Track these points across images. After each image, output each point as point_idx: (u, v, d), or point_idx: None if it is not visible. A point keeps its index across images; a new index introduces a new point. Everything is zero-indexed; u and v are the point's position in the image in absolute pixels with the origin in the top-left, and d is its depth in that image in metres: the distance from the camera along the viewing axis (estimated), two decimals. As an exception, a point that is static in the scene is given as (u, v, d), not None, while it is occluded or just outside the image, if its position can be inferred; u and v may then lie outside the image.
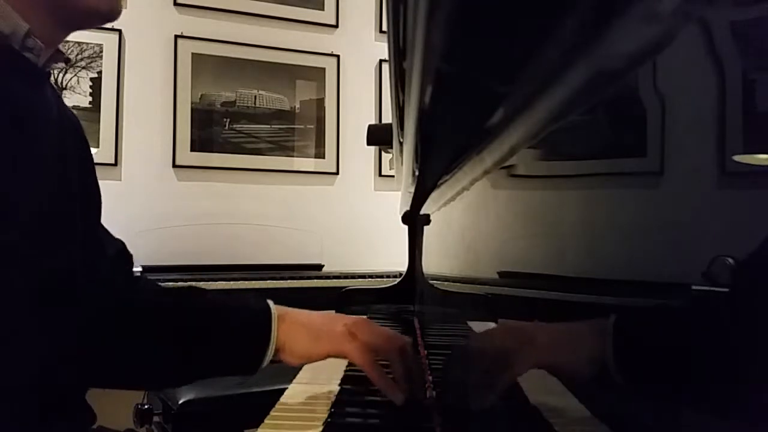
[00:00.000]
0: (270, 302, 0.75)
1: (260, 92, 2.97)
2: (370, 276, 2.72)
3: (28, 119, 0.80)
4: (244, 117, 2.94)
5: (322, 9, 3.08)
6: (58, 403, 0.76)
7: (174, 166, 2.81)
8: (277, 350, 0.73)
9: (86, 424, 0.89)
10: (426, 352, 1.02)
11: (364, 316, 0.84)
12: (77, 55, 2.64)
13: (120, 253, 0.98)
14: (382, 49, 3.11)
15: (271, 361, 0.75)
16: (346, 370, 0.88)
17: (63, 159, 0.83)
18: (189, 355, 0.72)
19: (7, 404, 0.69)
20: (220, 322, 0.73)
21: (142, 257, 1.08)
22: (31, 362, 0.66)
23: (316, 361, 0.75)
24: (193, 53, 2.83)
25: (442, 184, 1.12)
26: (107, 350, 0.68)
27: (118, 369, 0.71)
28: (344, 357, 0.74)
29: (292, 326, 0.73)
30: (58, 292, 0.67)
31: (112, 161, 2.67)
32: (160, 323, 0.71)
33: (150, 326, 0.70)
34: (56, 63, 0.84)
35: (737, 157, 0.30)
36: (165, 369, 0.73)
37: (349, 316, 0.80)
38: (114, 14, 0.82)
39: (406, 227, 1.67)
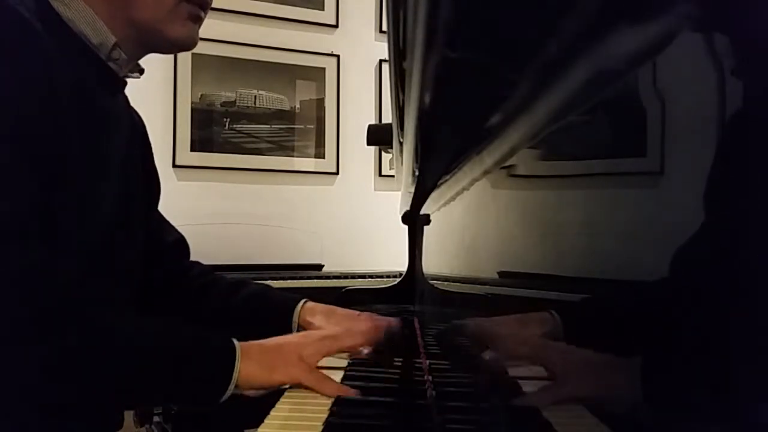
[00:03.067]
0: (234, 341, 0.79)
1: (260, 92, 2.97)
2: (370, 276, 2.72)
3: (109, 123, 0.89)
4: (244, 117, 2.94)
5: (322, 9, 3.08)
6: (74, 403, 0.79)
7: (174, 166, 2.81)
8: (235, 385, 0.77)
9: (104, 428, 0.91)
10: (426, 352, 1.02)
11: (313, 332, 0.88)
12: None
13: (177, 242, 1.06)
14: (382, 49, 3.11)
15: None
16: (345, 370, 0.88)
17: (130, 159, 0.89)
18: (158, 384, 0.75)
19: (22, 401, 0.71)
20: (189, 360, 0.76)
21: (142, 257, 1.12)
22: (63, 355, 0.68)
23: (270, 389, 0.79)
24: (193, 53, 2.83)
25: (442, 184, 1.12)
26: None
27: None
28: (298, 385, 0.79)
29: (249, 362, 0.77)
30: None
31: (112, 161, 2.68)
32: (127, 350, 0.73)
33: (116, 350, 0.73)
34: (133, 73, 0.90)
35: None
36: (138, 392, 0.76)
37: (301, 340, 0.84)
38: (192, 45, 0.92)
39: (406, 227, 1.67)
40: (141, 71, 0.95)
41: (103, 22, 0.83)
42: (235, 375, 0.75)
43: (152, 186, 1.05)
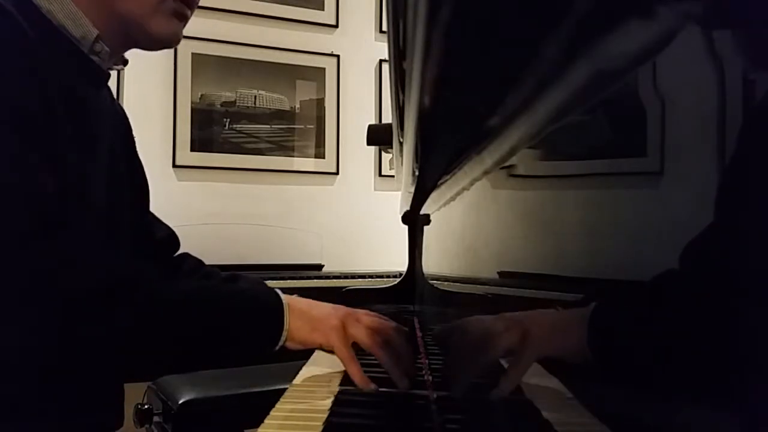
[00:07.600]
0: (279, 292, 0.84)
1: (260, 92, 2.97)
2: (370, 276, 2.72)
3: (94, 118, 0.87)
4: (244, 117, 2.94)
5: (322, 9, 3.08)
6: (82, 396, 0.79)
7: (174, 166, 2.81)
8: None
9: (107, 426, 0.91)
10: (426, 351, 1.02)
11: (363, 310, 0.89)
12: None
13: (168, 237, 1.06)
14: (382, 49, 3.11)
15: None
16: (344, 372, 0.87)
17: (113, 151, 0.89)
18: (210, 343, 0.77)
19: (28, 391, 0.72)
20: (242, 313, 0.80)
21: (142, 257, 1.12)
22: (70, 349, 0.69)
23: (310, 348, 0.84)
24: (193, 53, 2.83)
25: (442, 184, 1.12)
26: (134, 339, 0.72)
27: (140, 358, 0.75)
28: (332, 349, 0.81)
29: (294, 315, 0.81)
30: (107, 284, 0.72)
31: (112, 161, 2.67)
32: (187, 312, 0.75)
33: (176, 315, 0.75)
34: (116, 65, 0.89)
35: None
36: (187, 354, 0.78)
37: (347, 308, 0.86)
38: (175, 42, 0.90)
39: (406, 227, 1.67)
40: (125, 62, 0.94)
41: (83, 13, 0.81)
42: (286, 325, 0.79)
43: (137, 180, 1.04)
